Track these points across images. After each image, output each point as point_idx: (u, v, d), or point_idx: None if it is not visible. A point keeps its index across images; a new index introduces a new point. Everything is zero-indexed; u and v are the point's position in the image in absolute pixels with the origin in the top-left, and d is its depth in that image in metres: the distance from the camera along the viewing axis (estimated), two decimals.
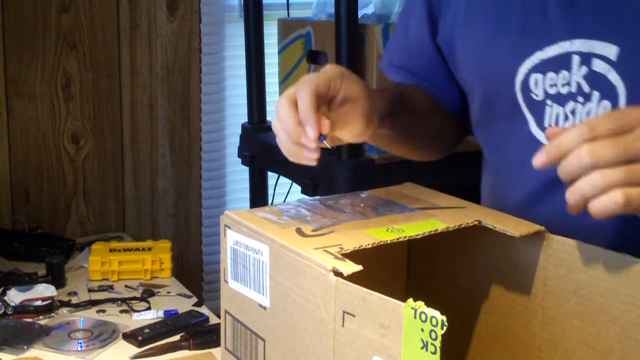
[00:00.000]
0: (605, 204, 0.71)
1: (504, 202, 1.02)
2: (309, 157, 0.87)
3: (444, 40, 1.10)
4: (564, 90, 0.95)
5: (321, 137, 0.84)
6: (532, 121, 0.99)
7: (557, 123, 0.96)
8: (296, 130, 0.85)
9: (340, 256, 0.72)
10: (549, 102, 0.96)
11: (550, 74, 0.95)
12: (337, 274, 0.69)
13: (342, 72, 0.91)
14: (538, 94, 0.97)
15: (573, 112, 0.94)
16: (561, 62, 0.94)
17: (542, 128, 0.97)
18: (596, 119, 0.74)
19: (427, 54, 1.14)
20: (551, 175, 0.82)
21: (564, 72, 0.94)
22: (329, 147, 0.88)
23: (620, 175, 0.71)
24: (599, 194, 0.71)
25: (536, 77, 0.97)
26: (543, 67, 0.96)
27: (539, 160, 0.75)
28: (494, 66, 1.01)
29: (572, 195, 0.73)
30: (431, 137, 1.18)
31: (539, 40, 0.96)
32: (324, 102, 0.89)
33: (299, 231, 0.79)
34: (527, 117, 0.99)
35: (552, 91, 0.96)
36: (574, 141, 0.73)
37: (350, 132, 0.92)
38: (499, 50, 1.00)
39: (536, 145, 0.97)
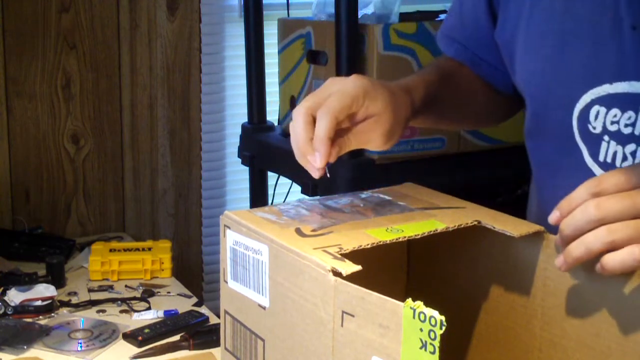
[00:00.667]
0: (623, 259, 0.70)
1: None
2: (313, 172, 0.88)
3: (502, 40, 1.08)
4: (626, 131, 0.92)
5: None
6: (585, 152, 0.96)
7: (614, 161, 0.94)
8: (305, 146, 0.87)
9: (339, 256, 0.72)
10: (606, 137, 0.94)
11: (615, 110, 0.93)
12: (336, 274, 0.69)
13: (365, 90, 0.90)
14: (596, 126, 0.95)
15: (633, 154, 0.92)
16: (629, 102, 0.92)
17: (598, 161, 0.95)
18: (604, 174, 0.75)
19: (481, 30, 1.11)
20: None
21: (630, 113, 0.92)
22: (328, 175, 0.89)
23: (627, 231, 0.71)
24: (606, 248, 0.71)
25: (599, 109, 0.94)
26: (608, 101, 0.93)
27: (554, 217, 0.76)
28: (555, 87, 0.99)
29: (577, 247, 0.73)
30: (479, 111, 1.18)
31: (611, 73, 0.93)
32: (344, 121, 0.90)
33: (299, 231, 0.79)
34: (580, 147, 0.97)
35: (612, 128, 0.93)
36: (582, 196, 0.74)
37: (370, 147, 0.93)
38: (564, 73, 0.98)
39: (590, 177, 0.95)
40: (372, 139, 0.91)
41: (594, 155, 0.96)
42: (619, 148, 0.93)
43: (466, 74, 1.15)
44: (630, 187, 0.73)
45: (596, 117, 0.95)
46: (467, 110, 1.16)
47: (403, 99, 0.97)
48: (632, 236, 0.71)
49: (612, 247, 0.71)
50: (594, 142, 0.96)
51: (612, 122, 0.93)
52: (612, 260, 0.71)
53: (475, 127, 1.23)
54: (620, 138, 0.93)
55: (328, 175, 0.89)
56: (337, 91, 0.89)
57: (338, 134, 0.89)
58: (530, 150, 1.09)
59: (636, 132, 0.92)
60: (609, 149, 0.94)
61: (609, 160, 0.94)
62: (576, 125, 0.97)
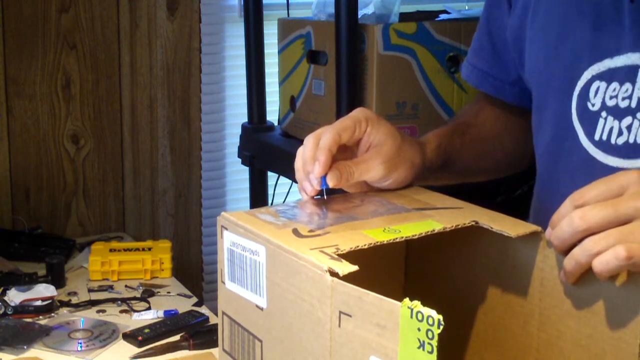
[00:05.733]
0: (607, 259, 0.71)
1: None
2: (306, 189, 0.93)
3: (512, 35, 1.08)
4: (624, 104, 0.92)
5: (324, 182, 0.91)
6: (581, 132, 0.97)
7: (609, 138, 0.94)
8: (310, 163, 0.92)
9: (336, 256, 0.72)
10: (603, 114, 0.94)
11: (614, 84, 0.93)
12: (333, 274, 0.69)
13: (367, 116, 0.95)
14: (595, 103, 0.95)
15: (629, 128, 0.92)
16: (627, 74, 0.92)
17: (593, 141, 0.95)
18: (586, 187, 0.76)
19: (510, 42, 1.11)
20: None
21: (628, 85, 0.92)
22: (324, 197, 0.92)
23: (610, 239, 0.72)
24: (592, 260, 0.72)
25: (599, 85, 0.94)
26: (609, 76, 0.94)
27: (548, 234, 0.78)
28: (557, 69, 0.99)
29: (568, 262, 0.75)
30: (508, 154, 1.17)
31: (611, 48, 0.93)
32: (349, 147, 0.95)
33: (296, 232, 0.79)
34: (576, 128, 0.97)
35: (610, 103, 0.93)
36: (567, 208, 0.76)
37: (372, 177, 0.95)
38: (566, 53, 0.98)
39: (586, 157, 0.95)
40: (373, 167, 0.94)
41: (590, 135, 0.96)
42: (615, 123, 0.93)
43: (485, 121, 1.15)
44: (612, 197, 0.75)
45: (596, 93, 0.95)
46: (493, 156, 1.16)
47: (411, 142, 1.00)
48: (616, 244, 0.72)
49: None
50: (591, 121, 0.96)
51: (611, 97, 0.94)
52: (599, 264, 0.72)
53: (514, 169, 1.21)
54: (618, 112, 0.93)
55: (325, 197, 0.92)
56: (342, 117, 0.95)
57: (341, 162, 0.93)
58: (535, 145, 1.08)
59: (632, 105, 0.92)
60: (606, 125, 0.94)
61: (604, 137, 0.94)
62: (575, 104, 0.97)
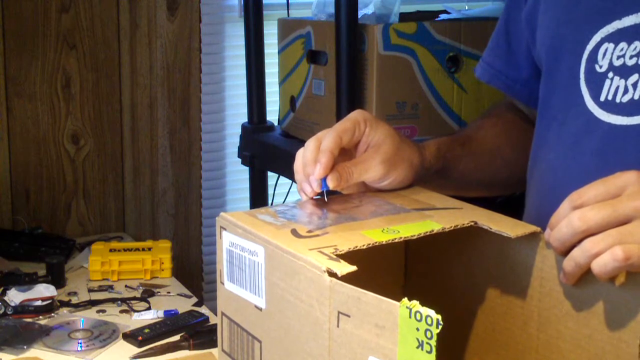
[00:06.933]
0: (605, 261, 0.72)
1: (557, 186, 1.00)
2: (306, 191, 0.94)
3: (526, 14, 1.09)
4: (631, 62, 0.92)
5: (324, 184, 0.92)
6: (587, 95, 0.97)
7: (614, 97, 0.93)
8: (311, 165, 0.93)
9: (334, 257, 0.72)
10: (610, 74, 0.94)
11: (622, 44, 0.93)
12: (332, 274, 0.69)
13: (366, 118, 0.97)
14: (603, 65, 0.95)
15: (635, 85, 0.92)
16: (636, 33, 0.92)
17: (598, 102, 0.95)
18: (583, 188, 0.77)
19: (525, 39, 1.12)
20: (603, 152, 0.88)
21: (636, 43, 0.92)
22: (325, 199, 0.93)
23: (609, 240, 0.72)
24: (592, 260, 0.73)
25: (607, 46, 0.95)
26: (617, 37, 0.94)
27: (547, 235, 0.79)
28: (567, 35, 1.00)
29: (567, 263, 0.75)
30: (503, 170, 1.17)
31: (619, 9, 0.94)
32: (348, 149, 0.96)
33: (294, 232, 0.79)
34: (583, 92, 0.97)
35: (617, 63, 0.94)
36: (566, 210, 0.76)
37: (372, 177, 0.96)
38: (577, 19, 0.99)
39: (591, 119, 0.95)
40: (372, 167, 0.95)
41: (596, 97, 0.96)
42: (622, 82, 0.93)
43: (486, 135, 1.16)
44: (610, 197, 0.75)
45: (604, 55, 0.95)
46: (493, 167, 1.16)
47: (410, 143, 1.01)
48: (615, 244, 0.72)
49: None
50: (597, 83, 0.96)
51: (618, 57, 0.94)
52: (597, 265, 0.72)
53: (512, 187, 1.21)
54: (624, 71, 0.93)
55: (325, 198, 0.93)
56: (341, 120, 0.96)
57: (341, 164, 0.93)
58: (538, 123, 1.08)
59: None
60: (612, 85, 0.94)
61: (609, 97, 0.94)
62: (583, 68, 0.97)
